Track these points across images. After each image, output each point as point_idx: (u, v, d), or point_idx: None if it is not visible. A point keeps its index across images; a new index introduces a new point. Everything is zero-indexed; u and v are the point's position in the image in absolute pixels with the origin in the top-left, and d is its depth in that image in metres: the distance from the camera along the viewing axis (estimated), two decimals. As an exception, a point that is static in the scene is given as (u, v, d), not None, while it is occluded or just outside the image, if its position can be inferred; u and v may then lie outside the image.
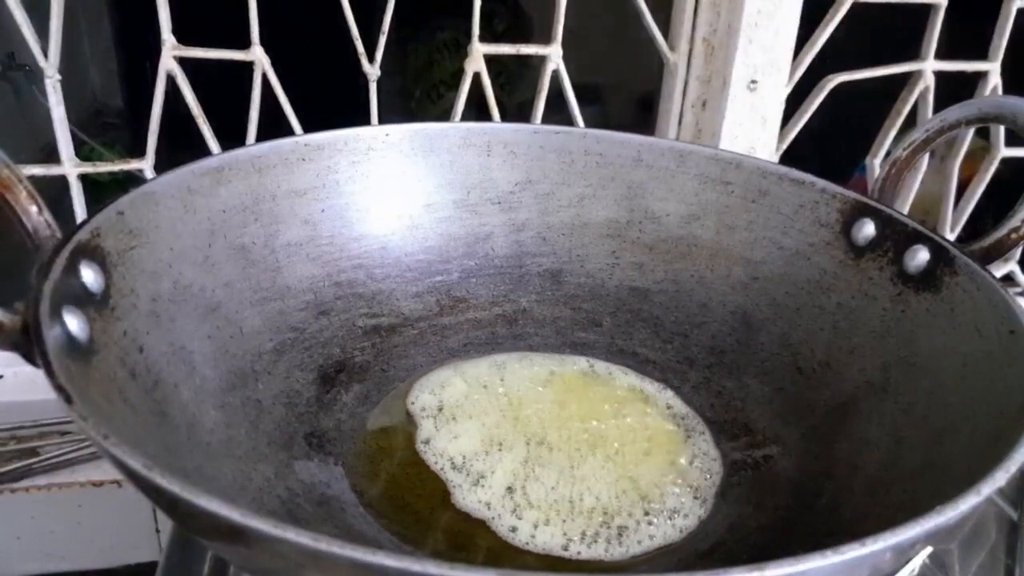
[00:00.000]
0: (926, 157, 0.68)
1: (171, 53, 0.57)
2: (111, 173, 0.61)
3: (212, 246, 0.40)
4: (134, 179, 0.59)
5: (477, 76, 0.63)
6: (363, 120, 0.51)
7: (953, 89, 0.69)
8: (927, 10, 0.67)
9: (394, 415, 0.44)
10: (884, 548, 0.22)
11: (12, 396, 0.63)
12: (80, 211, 0.60)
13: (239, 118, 0.60)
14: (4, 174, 0.30)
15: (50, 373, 0.26)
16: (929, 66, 0.68)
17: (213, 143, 0.60)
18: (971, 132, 0.72)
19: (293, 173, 0.45)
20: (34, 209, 0.31)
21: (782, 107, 0.67)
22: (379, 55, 0.61)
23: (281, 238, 0.44)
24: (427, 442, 0.42)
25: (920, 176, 0.73)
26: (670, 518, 0.38)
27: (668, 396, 0.46)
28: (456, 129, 0.50)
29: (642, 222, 0.50)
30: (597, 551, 0.36)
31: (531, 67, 0.65)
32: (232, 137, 0.58)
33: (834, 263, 0.45)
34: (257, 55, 0.59)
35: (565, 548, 0.36)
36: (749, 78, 0.64)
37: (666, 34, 0.67)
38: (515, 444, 0.42)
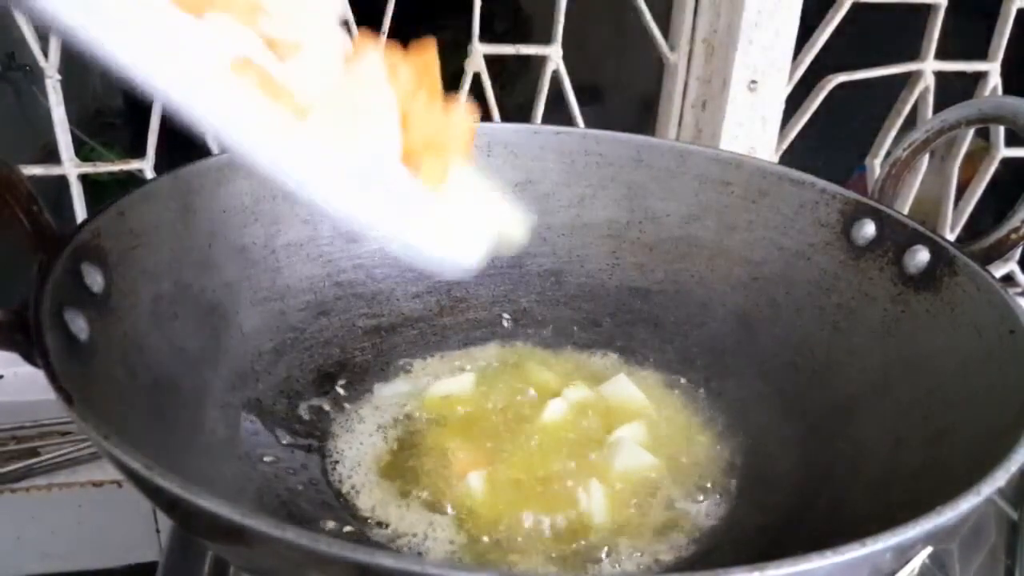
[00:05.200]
0: (926, 157, 0.68)
1: (171, 53, 0.57)
2: (111, 173, 0.61)
3: (212, 246, 0.40)
4: (134, 179, 0.59)
5: (477, 76, 0.63)
6: (363, 120, 0.51)
7: (953, 88, 0.69)
8: (927, 10, 0.67)
9: (394, 414, 0.44)
10: (884, 548, 0.22)
11: (12, 396, 0.63)
12: (80, 211, 0.59)
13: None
14: (4, 174, 0.30)
15: (50, 373, 0.26)
16: (929, 66, 0.68)
17: (213, 143, 0.60)
18: (971, 132, 0.72)
19: (293, 173, 0.45)
20: (34, 209, 0.31)
21: (782, 107, 0.67)
22: (379, 55, 0.61)
23: (281, 238, 0.44)
24: (428, 440, 0.42)
25: (920, 176, 0.73)
26: (670, 518, 0.38)
27: (667, 397, 0.46)
28: (456, 129, 0.50)
29: (642, 222, 0.50)
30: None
31: (531, 67, 0.65)
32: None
33: (834, 263, 0.45)
34: (257, 55, 0.59)
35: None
36: (749, 78, 0.64)
37: (666, 34, 0.67)
38: (513, 444, 0.42)
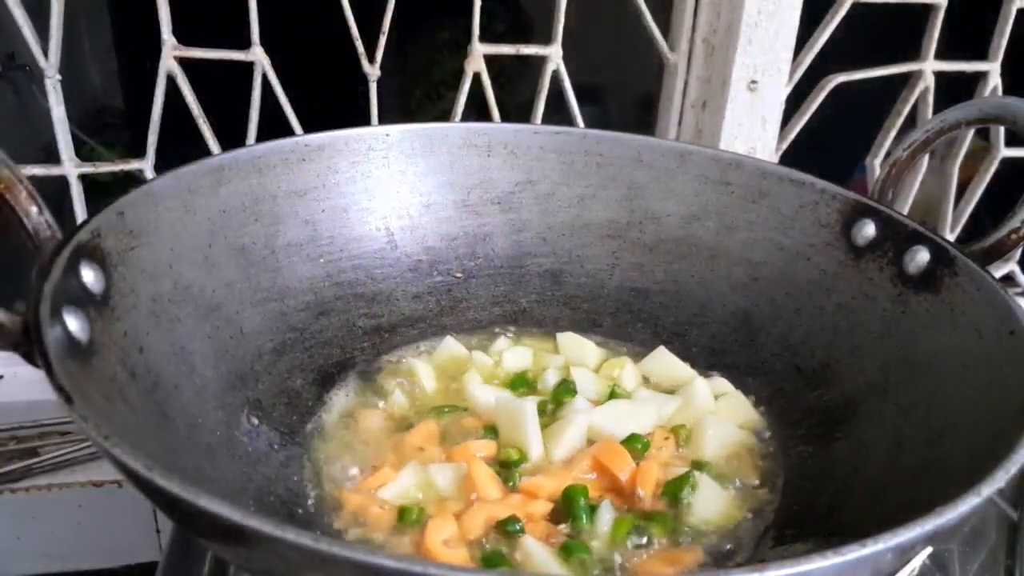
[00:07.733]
0: (926, 157, 0.68)
1: (171, 53, 0.57)
2: (111, 173, 0.61)
3: (212, 246, 0.40)
4: (134, 179, 0.59)
5: (477, 76, 0.63)
6: (363, 120, 0.51)
7: (953, 88, 0.69)
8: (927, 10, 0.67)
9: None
10: (884, 549, 0.22)
11: (12, 396, 0.63)
12: (80, 211, 0.60)
13: (239, 118, 0.60)
14: (4, 174, 0.30)
15: (50, 373, 0.26)
16: (929, 66, 0.68)
17: (213, 143, 0.60)
18: (971, 132, 0.72)
19: (293, 173, 0.45)
20: (34, 209, 0.31)
21: (782, 107, 0.67)
22: (379, 55, 0.61)
23: (281, 238, 0.44)
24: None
25: (920, 176, 0.73)
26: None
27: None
28: (456, 129, 0.50)
29: (642, 223, 0.50)
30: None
31: (531, 67, 0.65)
32: (232, 137, 0.58)
33: (834, 264, 0.45)
34: (257, 55, 0.59)
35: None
36: (749, 78, 0.64)
37: (666, 34, 0.67)
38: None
